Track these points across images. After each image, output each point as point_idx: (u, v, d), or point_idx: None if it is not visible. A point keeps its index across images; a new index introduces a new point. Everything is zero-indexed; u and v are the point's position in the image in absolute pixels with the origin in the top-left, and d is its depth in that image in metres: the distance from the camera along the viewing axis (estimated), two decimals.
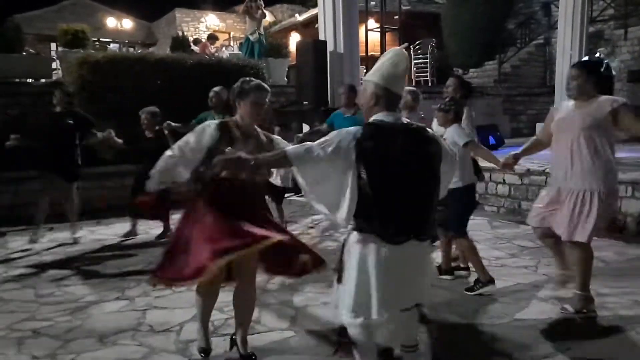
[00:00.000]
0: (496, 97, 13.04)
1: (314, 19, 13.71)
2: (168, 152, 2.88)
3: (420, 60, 14.06)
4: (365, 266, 2.22)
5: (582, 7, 10.79)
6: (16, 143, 5.50)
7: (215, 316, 3.54)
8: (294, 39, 17.20)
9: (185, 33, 17.77)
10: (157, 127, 5.74)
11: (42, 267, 4.92)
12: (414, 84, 12.66)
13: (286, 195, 8.64)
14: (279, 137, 3.09)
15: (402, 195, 2.21)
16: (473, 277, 4.16)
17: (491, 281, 3.96)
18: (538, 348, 3.03)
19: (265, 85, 2.92)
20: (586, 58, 8.22)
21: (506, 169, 3.88)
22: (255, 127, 2.95)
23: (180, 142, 2.87)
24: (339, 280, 2.34)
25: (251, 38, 11.47)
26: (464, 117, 4.54)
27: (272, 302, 3.77)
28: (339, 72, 8.22)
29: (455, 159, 2.66)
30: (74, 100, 6.33)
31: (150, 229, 6.10)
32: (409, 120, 2.44)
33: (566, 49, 10.81)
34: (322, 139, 2.26)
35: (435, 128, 4.08)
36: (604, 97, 3.43)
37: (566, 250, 3.61)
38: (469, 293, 3.95)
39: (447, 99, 4.23)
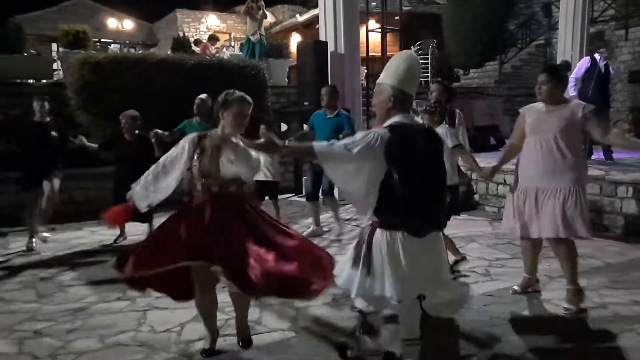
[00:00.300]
0: (497, 97, 13.04)
1: (314, 20, 13.72)
2: (151, 168, 3.01)
3: (421, 61, 14.04)
4: (397, 257, 2.36)
5: (583, 8, 10.78)
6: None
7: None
8: (295, 39, 17.22)
9: (186, 34, 17.82)
10: (137, 131, 5.76)
11: (43, 268, 4.93)
12: None
13: (286, 195, 8.70)
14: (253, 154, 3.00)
15: (425, 190, 2.38)
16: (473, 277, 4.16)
17: (464, 258, 4.42)
18: (538, 348, 3.03)
19: (248, 98, 2.97)
20: (589, 58, 8.18)
21: (485, 179, 3.96)
22: (236, 138, 2.97)
23: (164, 156, 3.00)
24: (368, 273, 2.43)
25: (252, 39, 11.47)
26: (457, 123, 4.63)
27: (273, 303, 3.76)
28: (339, 72, 8.21)
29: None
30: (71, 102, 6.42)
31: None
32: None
33: (567, 49, 10.79)
34: (349, 140, 2.36)
35: None
36: (574, 102, 3.70)
37: (538, 257, 3.85)
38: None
39: (433, 101, 4.39)
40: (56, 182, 5.83)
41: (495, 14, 15.20)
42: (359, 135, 2.39)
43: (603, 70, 7.93)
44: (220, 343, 3.14)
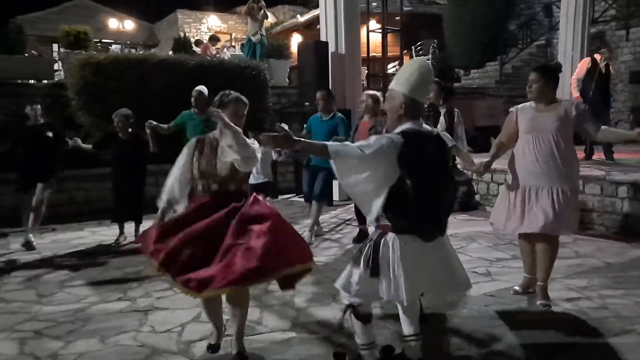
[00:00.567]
0: (497, 98, 13.04)
1: (315, 20, 13.72)
2: (170, 179, 3.01)
3: None
4: (409, 262, 2.41)
5: (584, 8, 10.79)
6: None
7: None
8: (296, 40, 17.23)
9: (187, 34, 17.84)
10: (130, 130, 5.79)
11: (44, 268, 4.93)
12: None
13: (287, 196, 8.71)
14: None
15: (435, 196, 2.43)
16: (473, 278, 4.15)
17: None
18: (539, 349, 3.03)
19: (244, 98, 3.01)
20: (589, 59, 8.17)
21: (477, 175, 3.97)
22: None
23: (174, 166, 3.03)
24: (374, 273, 2.45)
25: (253, 39, 11.48)
26: (455, 121, 4.65)
27: (273, 303, 3.77)
28: (340, 73, 8.22)
29: None
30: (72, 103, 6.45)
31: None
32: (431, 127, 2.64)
33: (568, 50, 10.81)
34: (363, 142, 2.40)
35: None
36: (565, 102, 3.76)
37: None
38: None
39: (426, 106, 4.37)
40: (46, 192, 5.82)
41: (496, 14, 15.21)
42: (372, 138, 2.43)
43: (604, 70, 7.93)
44: (222, 344, 3.15)
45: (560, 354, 2.99)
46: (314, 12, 16.53)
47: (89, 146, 5.93)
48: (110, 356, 3.08)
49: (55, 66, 11.30)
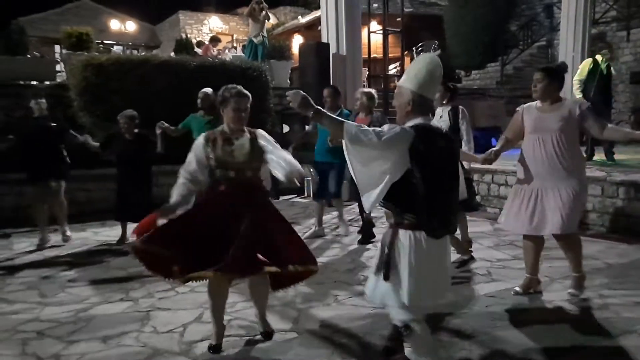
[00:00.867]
0: (498, 98, 13.04)
1: (316, 21, 13.75)
2: (180, 180, 3.08)
3: None
4: (422, 260, 2.38)
5: (585, 9, 10.79)
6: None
7: None
8: (297, 41, 17.25)
9: (189, 35, 17.87)
10: (136, 130, 5.84)
11: (46, 269, 4.95)
12: None
13: (288, 197, 8.72)
14: (264, 134, 3.22)
15: (444, 192, 2.42)
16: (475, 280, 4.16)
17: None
18: (540, 350, 3.03)
19: (246, 92, 3.09)
20: (590, 60, 8.18)
21: (486, 163, 3.97)
22: (244, 129, 3.14)
23: (184, 165, 3.09)
24: (386, 277, 2.42)
25: (254, 40, 11.49)
26: (460, 119, 4.65)
27: (274, 304, 3.78)
28: (341, 74, 8.24)
29: None
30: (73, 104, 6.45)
31: None
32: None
33: (569, 50, 10.81)
34: (378, 129, 2.37)
35: None
36: (569, 101, 3.79)
37: (539, 257, 3.92)
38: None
39: None
40: (63, 184, 5.94)
41: (497, 15, 15.22)
42: (386, 126, 2.41)
43: (605, 71, 7.94)
44: (223, 343, 3.16)
45: (561, 355, 2.99)
46: (315, 14, 16.56)
47: (96, 145, 6.00)
48: (112, 357, 3.09)
49: (57, 67, 11.31)
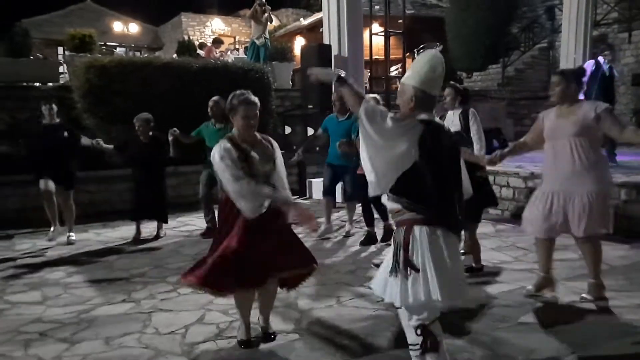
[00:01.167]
0: (500, 100, 13.04)
1: (318, 23, 13.76)
2: (240, 183, 2.87)
3: None
4: (440, 255, 2.32)
5: (586, 11, 10.79)
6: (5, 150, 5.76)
7: (221, 319, 3.59)
8: (299, 42, 17.29)
9: (191, 37, 17.91)
10: (151, 133, 5.96)
11: (49, 270, 4.96)
12: None
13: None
14: (277, 148, 3.24)
15: (450, 188, 2.40)
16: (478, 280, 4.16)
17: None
18: (542, 352, 3.03)
19: (253, 98, 3.04)
20: (593, 61, 8.18)
21: (490, 165, 3.97)
22: (256, 134, 3.13)
23: (230, 171, 2.88)
24: (406, 276, 2.32)
25: (257, 42, 11.52)
26: (471, 123, 4.66)
27: (277, 305, 3.77)
28: None
29: None
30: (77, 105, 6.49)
31: (154, 231, 6.18)
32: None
33: (570, 52, 10.81)
34: (392, 114, 2.37)
35: None
36: (587, 103, 3.74)
37: (552, 255, 3.87)
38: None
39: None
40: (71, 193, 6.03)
41: (499, 17, 15.22)
42: (399, 114, 2.44)
43: (607, 73, 7.94)
44: (224, 345, 3.17)
45: (563, 357, 2.99)
46: (317, 15, 16.58)
47: (110, 147, 6.10)
48: (114, 358, 3.09)
49: (61, 69, 11.38)
